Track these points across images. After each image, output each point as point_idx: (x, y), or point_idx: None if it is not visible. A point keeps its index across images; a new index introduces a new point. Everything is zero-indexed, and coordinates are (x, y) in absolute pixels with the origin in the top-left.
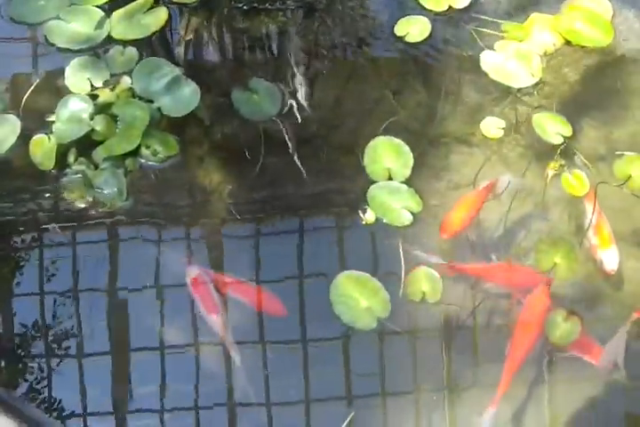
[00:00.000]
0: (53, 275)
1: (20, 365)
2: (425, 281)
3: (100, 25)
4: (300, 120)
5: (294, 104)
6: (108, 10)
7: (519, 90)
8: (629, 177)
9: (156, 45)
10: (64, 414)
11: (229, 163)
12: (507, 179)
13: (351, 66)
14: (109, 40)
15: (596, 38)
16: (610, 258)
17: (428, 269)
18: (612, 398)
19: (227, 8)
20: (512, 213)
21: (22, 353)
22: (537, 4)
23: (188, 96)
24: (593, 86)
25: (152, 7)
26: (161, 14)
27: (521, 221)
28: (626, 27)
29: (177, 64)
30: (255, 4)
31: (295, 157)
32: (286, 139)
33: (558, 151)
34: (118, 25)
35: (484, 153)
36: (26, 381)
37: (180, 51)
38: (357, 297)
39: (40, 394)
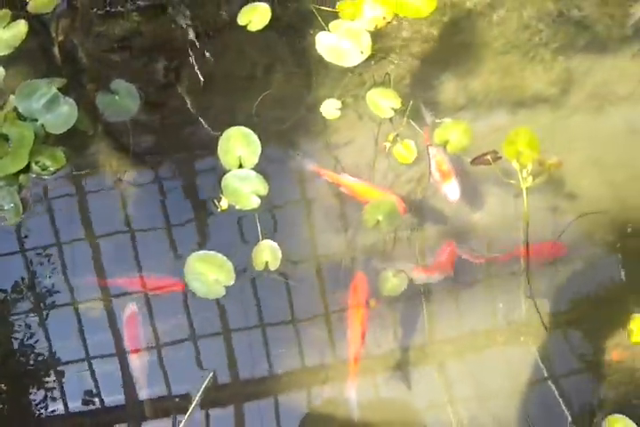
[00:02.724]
0: None
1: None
2: (267, 252)
3: None
4: (172, 109)
5: (162, 98)
6: None
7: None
8: (447, 141)
9: (28, 58)
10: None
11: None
12: None
13: (215, 53)
14: None
15: (419, 9)
16: (451, 190)
17: (270, 242)
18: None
19: (84, 14)
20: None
21: None
22: None
23: (66, 113)
24: (447, 43)
25: (11, 21)
26: (20, 27)
27: None
28: None
29: (54, 72)
30: (108, 9)
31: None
32: (157, 131)
33: (404, 120)
34: None
35: (357, 112)
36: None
37: (52, 60)
38: (206, 272)
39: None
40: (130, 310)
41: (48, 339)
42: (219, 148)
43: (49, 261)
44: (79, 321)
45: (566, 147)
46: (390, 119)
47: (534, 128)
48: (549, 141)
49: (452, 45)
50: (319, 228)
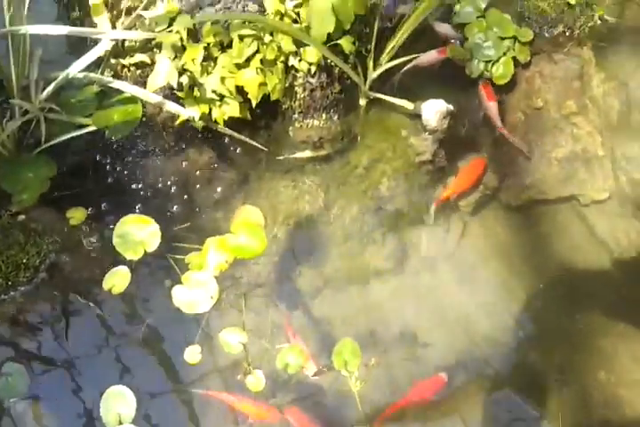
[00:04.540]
0: None
1: None
2: None
3: None
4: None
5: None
6: None
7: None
8: (287, 364)
9: None
10: None
11: None
12: None
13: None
14: None
15: (254, 250)
16: (309, 368)
17: None
18: None
19: None
20: None
21: None
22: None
23: None
24: (295, 245)
25: None
26: None
27: None
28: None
29: None
30: None
31: None
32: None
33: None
34: None
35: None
36: None
37: None
38: None
39: None
40: None
41: None
42: (101, 408)
43: None
44: None
45: (412, 305)
46: (245, 349)
47: (382, 297)
48: (397, 305)
49: (300, 245)
50: None
